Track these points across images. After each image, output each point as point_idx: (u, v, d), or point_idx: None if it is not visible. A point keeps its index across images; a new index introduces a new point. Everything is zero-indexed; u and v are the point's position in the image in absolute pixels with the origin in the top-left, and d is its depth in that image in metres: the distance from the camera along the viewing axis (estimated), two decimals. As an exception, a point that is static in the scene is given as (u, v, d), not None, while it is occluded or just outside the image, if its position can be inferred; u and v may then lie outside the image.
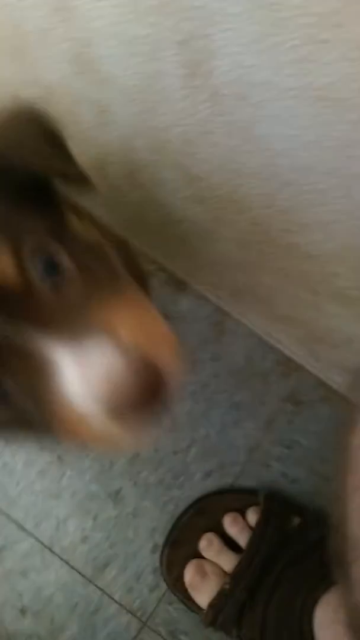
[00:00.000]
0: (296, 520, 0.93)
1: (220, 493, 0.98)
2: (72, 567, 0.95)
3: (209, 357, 1.08)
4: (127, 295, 0.44)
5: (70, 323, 0.39)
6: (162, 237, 0.98)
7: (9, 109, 0.47)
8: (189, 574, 0.90)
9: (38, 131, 0.47)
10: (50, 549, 0.96)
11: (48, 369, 0.38)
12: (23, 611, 0.93)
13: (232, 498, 0.97)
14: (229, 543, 0.92)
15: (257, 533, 0.90)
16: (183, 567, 0.92)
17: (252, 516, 0.93)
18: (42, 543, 0.96)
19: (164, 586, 0.95)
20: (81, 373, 0.38)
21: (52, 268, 0.41)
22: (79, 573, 0.95)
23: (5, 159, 0.42)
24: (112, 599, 0.94)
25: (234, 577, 0.87)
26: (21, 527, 0.96)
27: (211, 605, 0.87)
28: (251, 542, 0.90)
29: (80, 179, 0.48)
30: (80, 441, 0.43)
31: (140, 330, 0.41)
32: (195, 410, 1.04)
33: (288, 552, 0.89)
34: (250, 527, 0.93)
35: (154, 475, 1.00)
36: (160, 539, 0.96)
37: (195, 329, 1.09)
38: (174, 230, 0.92)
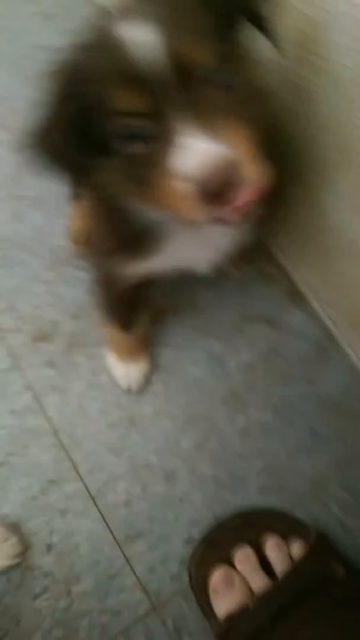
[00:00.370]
0: (341, 571, 0.88)
1: (271, 512, 0.95)
2: (107, 525, 0.96)
3: (303, 378, 1.05)
4: (248, 132, 0.53)
5: (208, 120, 0.51)
6: (306, 240, 0.98)
7: None
8: (217, 578, 0.88)
9: None
10: (94, 500, 0.97)
11: (170, 146, 0.51)
12: (49, 547, 0.96)
13: (282, 522, 0.94)
14: (263, 564, 0.89)
15: (298, 567, 0.86)
16: (211, 569, 0.90)
17: (297, 548, 0.89)
18: (88, 491, 0.98)
19: (185, 580, 0.93)
20: (191, 157, 0.50)
21: (227, 80, 0.53)
22: (112, 534, 0.96)
23: None
24: (133, 571, 0.94)
25: (261, 600, 0.83)
26: (75, 469, 0.99)
27: (229, 618, 0.84)
28: (289, 574, 0.86)
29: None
30: (173, 215, 0.56)
31: (246, 151, 0.52)
32: (274, 423, 1.02)
33: (323, 600, 0.84)
34: (291, 558, 0.89)
35: (212, 470, 0.99)
36: (197, 533, 0.95)
37: (298, 345, 1.07)
38: (322, 236, 0.91)
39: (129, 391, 1.04)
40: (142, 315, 0.99)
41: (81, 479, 0.99)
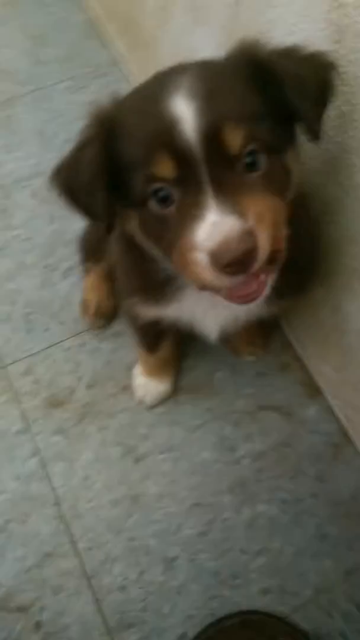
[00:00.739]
0: None
1: (271, 617, 0.91)
2: (100, 609, 0.93)
3: (313, 474, 1.04)
4: (269, 209, 0.57)
5: (232, 196, 0.55)
6: (326, 338, 0.99)
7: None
8: None
9: (320, 75, 0.61)
10: (89, 580, 0.95)
11: (195, 216, 0.55)
12: (38, 625, 0.93)
13: (282, 629, 0.90)
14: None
15: None
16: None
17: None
18: (84, 569, 0.96)
19: None
20: (206, 228, 0.54)
21: (254, 162, 0.57)
22: (103, 619, 0.92)
23: (291, 78, 0.58)
24: (121, 664, 0.90)
25: None
26: (73, 544, 0.98)
27: None
28: None
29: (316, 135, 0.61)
30: (187, 277, 0.60)
31: (264, 226, 0.55)
32: (280, 520, 1.00)
33: None
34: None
35: (213, 563, 0.96)
36: (192, 629, 0.91)
37: (310, 439, 1.06)
38: (343, 338, 0.92)
39: (141, 403, 1.08)
40: (166, 342, 1.02)
41: (78, 555, 0.97)
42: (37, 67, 1.48)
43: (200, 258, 0.55)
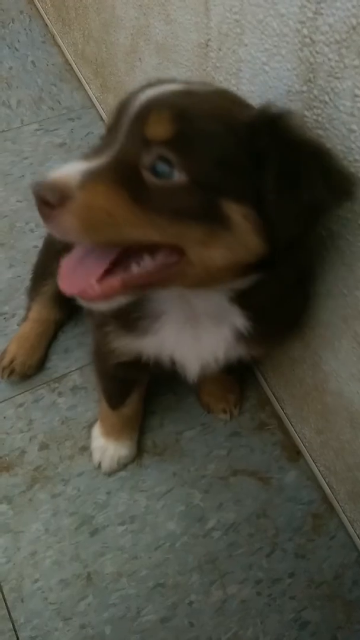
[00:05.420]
0: None
1: None
2: None
3: (292, 549, 0.97)
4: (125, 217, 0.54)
5: (102, 169, 0.55)
6: (306, 397, 0.96)
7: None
8: None
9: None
10: None
11: None
12: None
13: None
14: None
15: None
16: None
17: None
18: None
19: None
20: (55, 171, 0.54)
21: (161, 169, 0.55)
22: None
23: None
24: None
25: None
26: (15, 632, 0.88)
27: None
28: None
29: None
30: None
31: (90, 214, 0.53)
32: (254, 603, 0.92)
33: None
34: None
35: (177, 655, 0.88)
36: None
37: (289, 509, 1.01)
38: (323, 397, 0.89)
39: (98, 467, 1.02)
40: (132, 397, 0.97)
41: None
42: (3, 108, 1.50)
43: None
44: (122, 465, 1.03)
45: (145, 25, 1.01)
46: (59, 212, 0.53)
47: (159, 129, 0.54)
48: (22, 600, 0.91)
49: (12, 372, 1.09)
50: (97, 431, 1.04)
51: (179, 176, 0.54)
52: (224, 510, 1.00)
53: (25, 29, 1.68)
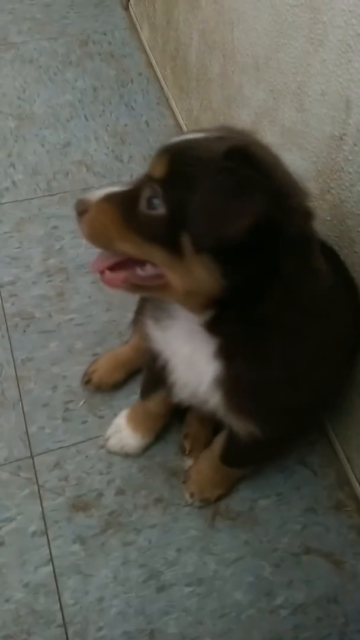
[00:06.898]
0: None
1: None
2: None
3: (361, 642, 0.95)
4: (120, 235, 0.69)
5: (114, 195, 0.71)
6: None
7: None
8: None
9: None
10: None
11: None
12: None
13: None
14: None
15: None
16: None
17: None
18: None
19: None
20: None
21: (150, 202, 0.67)
22: None
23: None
24: None
25: None
26: None
27: None
28: None
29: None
30: None
31: (97, 224, 0.71)
32: None
33: None
34: None
35: None
36: None
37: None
38: None
39: (105, 442, 1.11)
40: (158, 393, 1.03)
41: None
42: (116, 162, 1.62)
43: None
44: (125, 454, 1.11)
45: (273, 108, 1.09)
46: (81, 219, 0.71)
47: (157, 169, 0.66)
48: (83, 646, 0.93)
49: (89, 380, 1.20)
50: (126, 412, 1.14)
51: (161, 209, 0.65)
52: (294, 588, 1.00)
53: (142, 90, 1.82)
